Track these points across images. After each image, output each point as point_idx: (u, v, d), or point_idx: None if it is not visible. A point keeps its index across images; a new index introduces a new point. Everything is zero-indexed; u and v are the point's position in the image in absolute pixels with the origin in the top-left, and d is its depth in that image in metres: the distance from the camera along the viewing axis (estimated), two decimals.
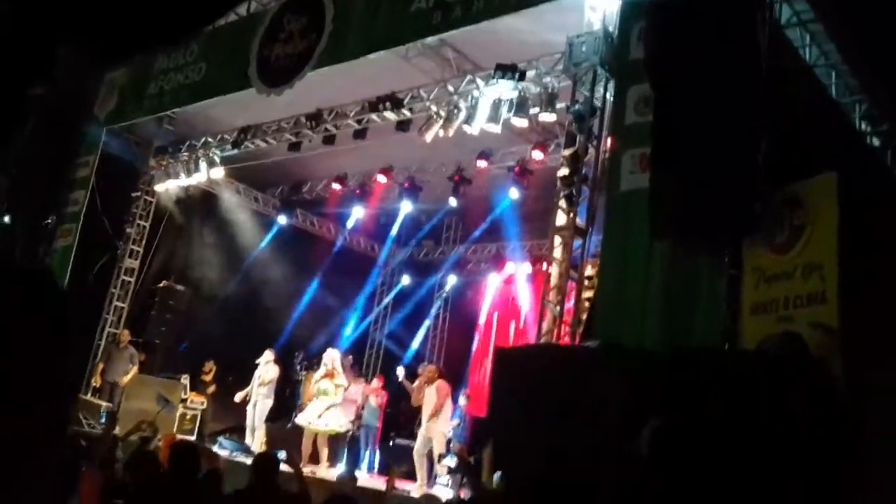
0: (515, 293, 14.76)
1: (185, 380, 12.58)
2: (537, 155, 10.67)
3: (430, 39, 9.29)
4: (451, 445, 10.27)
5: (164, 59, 12.29)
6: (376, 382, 12.57)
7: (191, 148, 13.38)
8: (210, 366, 13.14)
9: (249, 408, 11.46)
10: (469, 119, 9.68)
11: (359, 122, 11.02)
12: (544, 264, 9.30)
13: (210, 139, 13.15)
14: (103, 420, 10.64)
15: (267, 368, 11.55)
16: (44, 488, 0.94)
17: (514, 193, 11.82)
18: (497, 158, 11.64)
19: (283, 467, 5.76)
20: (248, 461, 7.55)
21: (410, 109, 10.43)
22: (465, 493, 7.93)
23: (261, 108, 11.53)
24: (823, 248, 5.03)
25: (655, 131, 5.86)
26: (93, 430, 10.23)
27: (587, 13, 8.12)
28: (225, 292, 14.27)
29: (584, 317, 7.59)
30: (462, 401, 11.55)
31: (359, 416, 12.02)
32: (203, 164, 13.03)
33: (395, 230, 15.53)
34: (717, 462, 2.89)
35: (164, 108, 12.46)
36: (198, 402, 12.48)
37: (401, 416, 13.29)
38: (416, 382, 10.62)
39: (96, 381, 12.13)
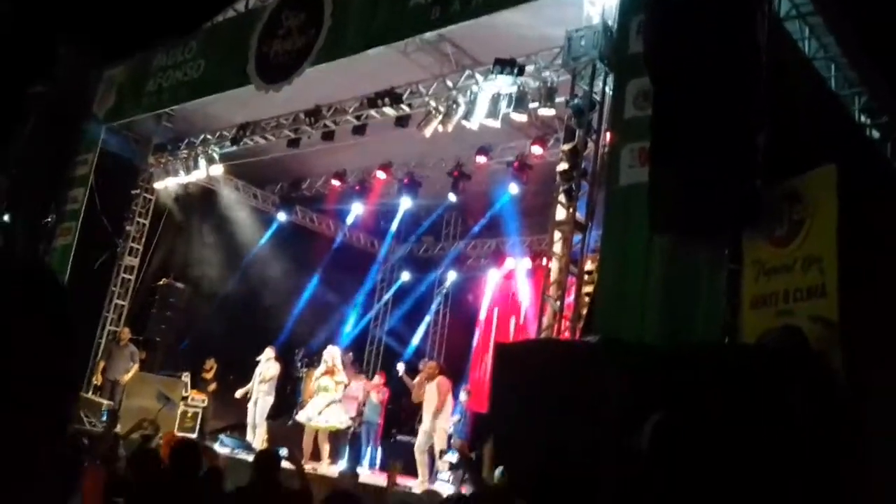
0: (515, 289, 14.77)
1: (186, 377, 12.58)
2: (536, 150, 10.66)
3: (428, 35, 9.27)
4: (452, 441, 10.28)
5: (163, 56, 12.28)
6: (378, 379, 12.58)
7: (190, 145, 13.38)
8: (211, 363, 13.15)
9: (250, 405, 11.47)
10: (468, 114, 9.68)
11: (358, 117, 11.02)
12: (544, 259, 9.30)
13: (209, 136, 13.15)
14: (104, 418, 10.66)
15: (268, 366, 11.56)
16: (45, 487, 0.93)
17: (513, 188, 11.82)
18: (496, 153, 11.64)
19: (285, 464, 5.77)
20: (250, 458, 7.56)
21: (409, 105, 10.42)
22: (466, 489, 7.95)
23: (260, 105, 11.52)
24: (823, 241, 5.03)
25: (654, 125, 5.84)
26: (94, 428, 10.23)
27: (586, 7, 8.10)
28: (225, 290, 14.27)
29: (585, 312, 7.59)
30: (463, 396, 11.56)
31: (360, 413, 12.03)
32: (202, 162, 13.03)
33: (394, 226, 15.52)
34: (718, 457, 2.89)
35: (163, 105, 12.45)
36: (199, 399, 12.48)
37: (402, 413, 13.30)
38: (417, 379, 10.63)
39: (97, 380, 12.14)
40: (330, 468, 10.08)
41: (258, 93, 10.64)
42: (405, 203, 13.80)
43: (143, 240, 13.75)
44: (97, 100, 13.09)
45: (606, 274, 6.80)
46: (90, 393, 11.88)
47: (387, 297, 16.92)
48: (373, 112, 10.70)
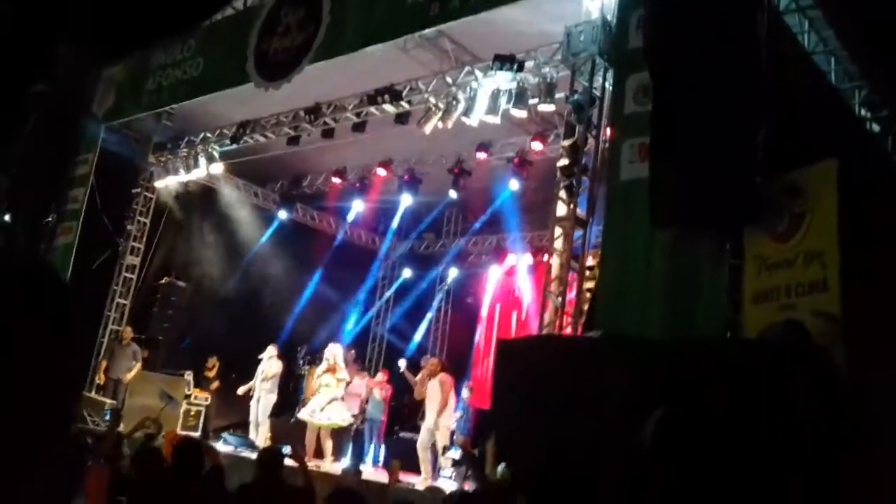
0: (517, 285, 14.76)
1: (189, 376, 12.59)
2: (537, 146, 10.66)
3: (427, 31, 9.26)
4: (455, 438, 10.30)
5: (162, 54, 12.26)
6: (381, 376, 12.59)
7: (190, 144, 13.38)
8: (213, 362, 13.16)
9: (253, 403, 11.48)
10: (468, 110, 9.67)
11: (357, 115, 11.01)
12: (545, 255, 9.29)
13: (209, 134, 13.15)
14: (108, 417, 10.68)
15: (270, 363, 11.57)
16: (48, 487, 0.93)
17: (513, 185, 11.82)
18: (496, 150, 11.63)
19: (288, 462, 5.78)
20: (253, 456, 7.57)
21: (409, 102, 10.41)
22: (469, 486, 7.96)
23: (259, 103, 11.51)
24: (824, 235, 5.02)
25: (654, 120, 5.83)
26: (97, 427, 10.25)
27: (585, 2, 8.09)
28: (226, 288, 14.29)
29: (586, 307, 7.59)
30: (465, 393, 11.57)
31: (362, 410, 12.04)
32: (202, 160, 13.03)
33: (395, 223, 15.52)
34: (720, 452, 2.89)
35: (163, 104, 12.45)
36: (201, 398, 12.50)
37: (404, 409, 13.31)
38: (419, 376, 10.64)
39: (100, 379, 12.16)
40: (333, 465, 10.09)
41: (258, 91, 10.64)
42: (406, 200, 13.80)
43: (145, 239, 13.76)
44: (97, 99, 13.08)
45: (608, 269, 6.80)
46: (93, 392, 11.89)
47: (388, 294, 16.92)
48: (372, 109, 10.69)
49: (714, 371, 3.78)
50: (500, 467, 5.08)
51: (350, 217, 15.37)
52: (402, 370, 11.81)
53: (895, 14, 7.25)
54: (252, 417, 11.48)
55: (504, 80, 9.23)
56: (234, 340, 13.02)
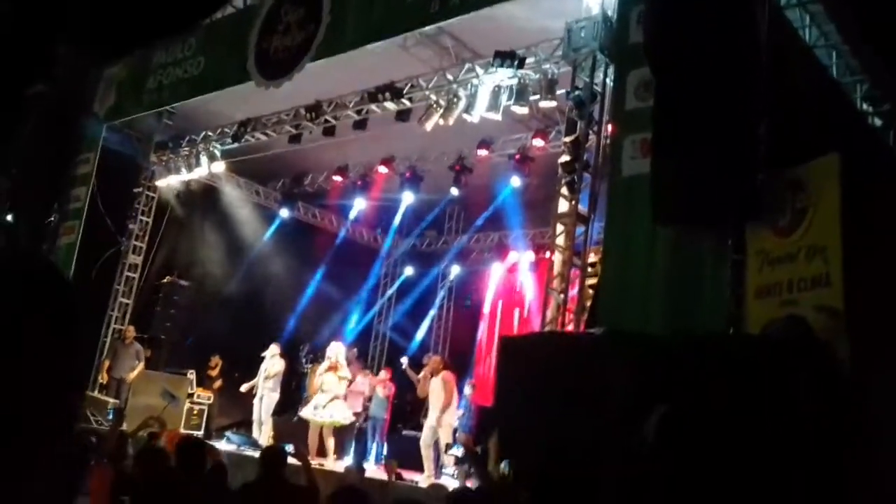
0: (519, 282, 14.76)
1: (192, 375, 12.60)
2: (538, 142, 10.64)
3: (428, 28, 9.25)
4: (457, 435, 10.30)
5: (163, 53, 12.27)
6: (384, 374, 12.59)
7: (191, 142, 13.38)
8: (216, 360, 13.18)
9: (256, 401, 11.49)
10: (469, 107, 9.66)
11: (358, 112, 11.00)
12: (547, 252, 9.29)
13: (210, 133, 13.15)
14: (111, 417, 10.68)
15: (272, 362, 11.58)
16: (50, 487, 0.93)
17: (515, 181, 11.80)
18: (498, 146, 11.62)
19: (291, 460, 5.78)
20: (256, 455, 7.58)
21: (410, 99, 10.40)
22: (471, 483, 7.95)
23: (260, 101, 11.52)
24: (826, 230, 5.01)
25: (656, 116, 5.82)
26: (100, 427, 10.26)
27: None
28: (229, 287, 14.29)
29: (588, 304, 7.58)
30: (467, 390, 11.57)
31: (365, 408, 12.05)
32: (204, 159, 13.03)
33: (397, 221, 15.51)
34: (723, 448, 2.89)
35: (164, 103, 12.45)
36: (204, 397, 12.51)
37: (407, 407, 13.32)
38: (422, 373, 10.64)
39: (103, 378, 12.17)
40: (336, 464, 10.10)
41: (258, 89, 10.63)
42: (407, 197, 13.79)
43: (147, 238, 13.76)
44: (98, 98, 13.08)
45: (609, 266, 6.79)
46: (96, 391, 11.91)
47: (390, 292, 16.92)
48: (373, 107, 10.68)
49: (716, 367, 3.77)
50: (503, 464, 5.08)
51: (352, 215, 15.35)
52: (403, 367, 11.82)
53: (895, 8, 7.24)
54: (255, 416, 11.49)
55: (505, 76, 9.22)
56: (236, 339, 13.03)
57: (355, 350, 13.56)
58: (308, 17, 10.11)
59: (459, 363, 12.61)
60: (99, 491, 5.36)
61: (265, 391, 11.42)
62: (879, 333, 4.45)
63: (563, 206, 7.94)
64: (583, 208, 7.81)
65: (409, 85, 10.34)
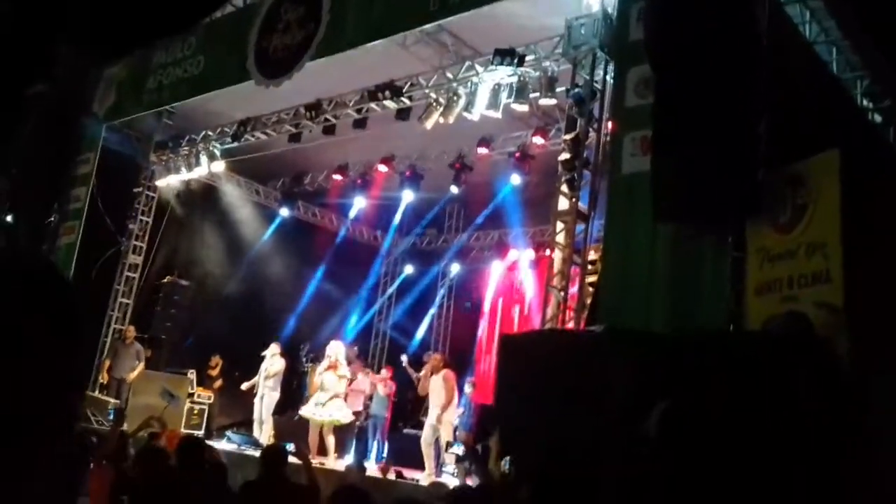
0: (519, 280, 14.76)
1: (192, 375, 12.60)
2: (538, 140, 10.63)
3: (427, 26, 9.24)
4: (457, 434, 10.30)
5: (162, 53, 12.26)
6: (385, 372, 12.59)
7: (191, 142, 13.37)
8: (216, 360, 13.19)
9: (256, 400, 11.50)
10: (469, 105, 9.65)
11: (358, 111, 10.99)
12: (547, 250, 9.28)
13: (210, 133, 13.14)
14: (111, 417, 10.68)
15: (272, 361, 11.58)
16: (50, 487, 0.93)
17: (515, 179, 11.80)
18: (498, 144, 11.61)
19: (292, 459, 5.78)
20: (257, 454, 7.58)
21: (410, 97, 10.39)
22: (472, 481, 7.95)
23: (260, 100, 11.51)
24: (826, 226, 5.01)
25: (656, 113, 5.82)
26: (101, 427, 10.26)
27: None
28: (229, 286, 14.29)
29: (589, 301, 7.58)
30: (467, 389, 11.58)
31: (366, 407, 12.05)
32: (203, 158, 13.02)
33: (397, 219, 15.51)
34: (724, 444, 2.89)
35: (163, 102, 12.44)
36: (205, 396, 12.51)
37: (407, 406, 13.33)
38: (422, 371, 10.65)
39: (103, 378, 12.17)
40: (337, 462, 10.10)
41: (258, 88, 10.63)
42: (407, 196, 13.79)
43: (147, 237, 13.76)
44: (97, 98, 13.08)
45: (610, 263, 6.79)
46: (96, 392, 11.91)
47: (391, 290, 16.92)
48: (373, 105, 10.67)
49: (717, 363, 3.77)
50: (504, 462, 5.08)
51: (352, 214, 15.35)
52: (404, 365, 11.83)
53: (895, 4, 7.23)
54: (255, 415, 11.49)
55: (505, 74, 9.22)
56: (236, 338, 13.03)
57: (356, 348, 13.57)
58: (308, 16, 10.10)
59: (460, 361, 12.62)
60: (99, 491, 5.36)
61: (266, 390, 11.43)
62: (880, 330, 4.45)
63: (563, 203, 7.94)
64: (583, 206, 7.81)
65: (409, 83, 10.34)
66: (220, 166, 13.24)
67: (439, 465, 10.01)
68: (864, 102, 8.66)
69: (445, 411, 9.82)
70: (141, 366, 12.25)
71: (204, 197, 14.39)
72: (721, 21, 5.53)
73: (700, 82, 5.55)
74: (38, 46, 12.53)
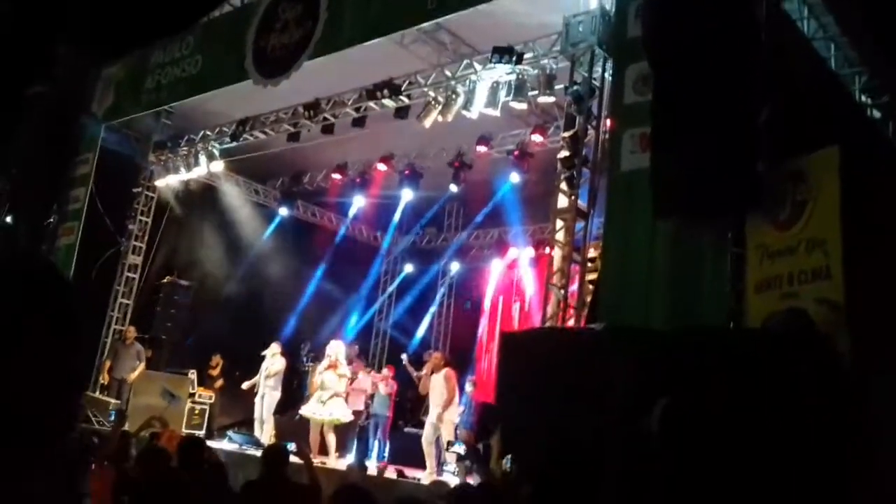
0: (519, 278, 14.76)
1: (193, 374, 12.60)
2: (537, 138, 10.63)
3: (425, 24, 9.24)
4: (458, 432, 10.30)
5: (160, 53, 12.25)
6: (386, 371, 12.59)
7: (190, 142, 13.37)
8: (217, 360, 13.19)
9: (257, 400, 11.51)
10: (467, 104, 9.65)
11: (357, 110, 10.99)
12: (547, 248, 9.28)
13: (209, 132, 13.14)
14: (112, 418, 10.68)
15: (273, 360, 11.59)
16: (50, 487, 0.93)
17: (514, 177, 11.80)
18: (497, 143, 11.61)
19: (293, 459, 5.78)
20: (258, 454, 7.58)
21: (408, 96, 10.38)
22: (472, 480, 7.95)
23: (258, 100, 11.50)
24: (826, 222, 5.00)
25: (655, 110, 5.82)
26: (102, 428, 10.26)
27: None
28: (229, 286, 14.28)
29: (589, 299, 7.58)
30: (468, 387, 11.58)
31: (367, 406, 12.05)
32: (202, 158, 13.02)
33: (396, 218, 15.51)
34: (725, 441, 2.89)
35: (162, 102, 12.44)
36: (205, 396, 12.51)
37: (408, 404, 13.33)
38: (423, 370, 10.65)
39: (104, 379, 12.16)
40: (338, 462, 10.11)
41: (257, 88, 10.62)
42: (407, 195, 13.79)
43: (146, 238, 13.75)
44: (96, 99, 13.07)
45: (610, 261, 6.79)
46: (97, 392, 11.91)
47: (391, 289, 16.92)
48: (372, 104, 10.66)
49: (717, 360, 3.77)
50: (506, 460, 5.08)
51: (351, 213, 15.35)
52: (404, 363, 11.83)
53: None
54: (256, 415, 11.50)
55: (503, 72, 9.21)
56: (237, 338, 13.03)
57: (356, 347, 13.57)
58: (306, 14, 10.09)
59: (460, 360, 12.62)
60: (101, 492, 5.36)
61: (266, 390, 11.43)
62: (880, 327, 4.45)
63: (562, 201, 7.93)
64: (582, 203, 7.80)
65: (408, 82, 10.33)
66: (219, 166, 13.23)
67: (440, 464, 10.02)
68: (863, 98, 8.65)
69: (446, 410, 9.82)
70: (141, 366, 12.25)
71: (203, 197, 14.37)
72: (719, 17, 5.53)
73: (698, 79, 5.54)
74: (38, 46, 12.52)
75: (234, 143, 12.69)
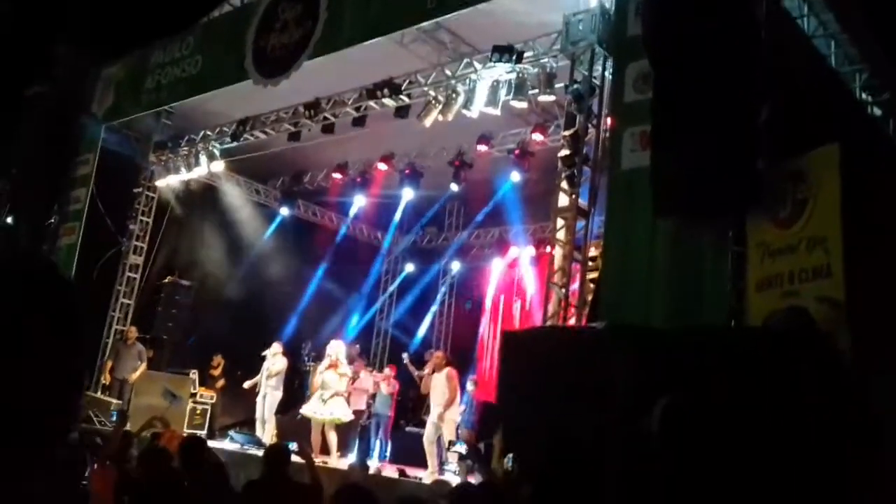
0: (520, 277, 14.76)
1: (194, 375, 12.61)
2: (537, 137, 10.63)
3: (425, 23, 9.23)
4: (459, 432, 10.31)
5: (160, 53, 12.25)
6: (388, 371, 12.60)
7: (190, 142, 13.37)
8: (218, 360, 13.19)
9: (259, 400, 11.51)
10: (468, 103, 9.65)
11: (357, 109, 10.99)
12: (548, 247, 9.28)
13: (209, 132, 13.14)
14: (114, 418, 10.69)
15: (274, 360, 11.59)
16: (49, 486, 0.93)
17: (515, 176, 11.79)
18: (497, 141, 11.60)
19: (295, 458, 5.78)
20: (259, 453, 7.58)
21: (409, 95, 10.38)
22: (474, 479, 7.95)
23: (259, 100, 11.50)
24: (827, 220, 5.00)
25: (655, 108, 5.81)
26: (104, 428, 10.27)
27: None
28: (230, 286, 14.28)
29: (590, 298, 7.58)
30: (469, 386, 11.58)
31: (369, 406, 12.05)
32: (203, 158, 13.02)
33: (397, 217, 15.51)
34: (726, 440, 2.88)
35: (162, 102, 12.44)
36: (207, 396, 12.51)
37: (409, 404, 13.33)
38: (425, 370, 10.64)
39: (105, 379, 12.16)
40: (340, 461, 10.11)
41: (257, 87, 10.62)
42: (407, 194, 13.79)
43: (147, 238, 13.76)
44: (96, 99, 13.08)
45: (610, 259, 6.78)
46: (98, 392, 11.91)
47: (392, 288, 16.93)
48: (372, 103, 10.66)
49: (718, 359, 3.77)
50: (507, 459, 5.08)
51: (352, 212, 15.35)
52: (405, 362, 11.83)
53: None
54: (258, 415, 11.50)
55: (503, 71, 9.20)
56: (238, 338, 13.04)
57: (358, 347, 13.57)
58: (305, 14, 10.09)
59: (461, 359, 12.62)
60: (102, 492, 5.36)
61: (268, 390, 11.43)
62: (881, 323, 4.44)
63: (563, 200, 7.93)
64: (583, 202, 7.80)
65: (408, 81, 10.33)
66: (219, 166, 13.23)
67: (442, 464, 10.02)
68: (864, 96, 8.65)
69: (448, 409, 9.82)
70: (143, 366, 12.25)
71: (204, 197, 14.38)
72: (719, 16, 5.53)
73: (699, 77, 5.54)
74: (38, 46, 12.53)
75: (235, 143, 12.70)
